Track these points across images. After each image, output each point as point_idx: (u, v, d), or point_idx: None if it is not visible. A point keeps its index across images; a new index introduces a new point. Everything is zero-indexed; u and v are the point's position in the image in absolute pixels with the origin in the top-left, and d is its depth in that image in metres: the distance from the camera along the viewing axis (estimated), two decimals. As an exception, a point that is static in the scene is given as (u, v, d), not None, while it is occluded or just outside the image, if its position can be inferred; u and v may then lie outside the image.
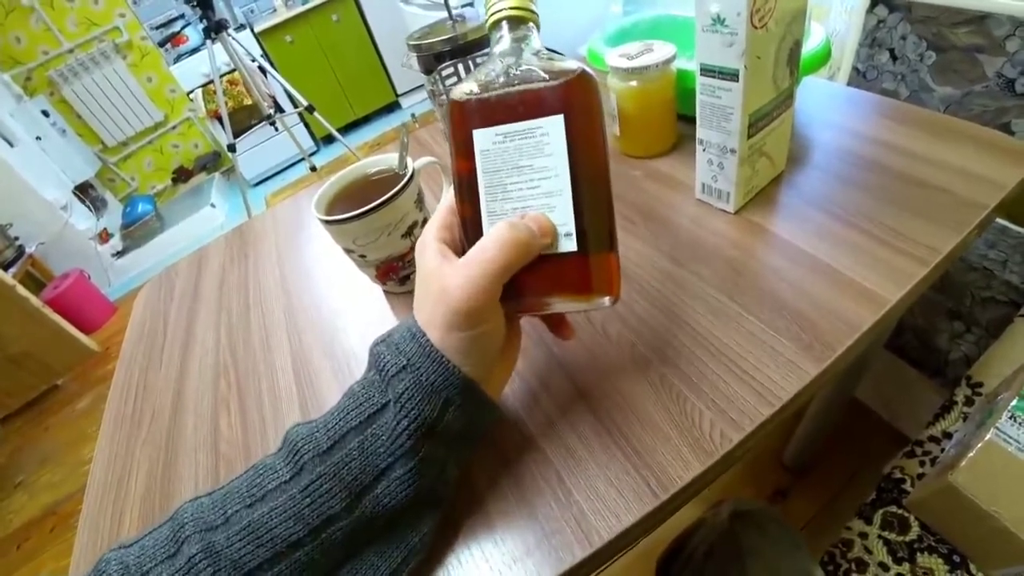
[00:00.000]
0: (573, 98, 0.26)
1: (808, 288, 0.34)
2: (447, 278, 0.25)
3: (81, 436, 1.76)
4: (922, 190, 0.40)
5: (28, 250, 2.25)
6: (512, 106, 0.26)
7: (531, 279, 0.27)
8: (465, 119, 0.27)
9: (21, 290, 1.87)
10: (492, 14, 0.26)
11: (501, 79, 0.26)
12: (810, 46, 0.48)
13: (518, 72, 0.26)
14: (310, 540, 0.23)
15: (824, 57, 0.48)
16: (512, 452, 0.31)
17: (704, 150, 0.39)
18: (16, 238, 2.26)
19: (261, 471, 0.25)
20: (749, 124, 0.36)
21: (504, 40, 0.27)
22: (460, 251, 0.28)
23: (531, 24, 0.27)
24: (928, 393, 0.74)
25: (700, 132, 0.39)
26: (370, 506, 0.24)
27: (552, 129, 0.26)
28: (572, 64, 0.26)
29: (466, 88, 0.27)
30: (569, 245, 0.26)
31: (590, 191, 0.27)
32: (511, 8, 0.26)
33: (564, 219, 0.26)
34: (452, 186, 0.29)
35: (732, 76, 0.34)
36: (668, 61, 0.43)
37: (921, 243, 0.36)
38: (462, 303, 0.24)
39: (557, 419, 0.31)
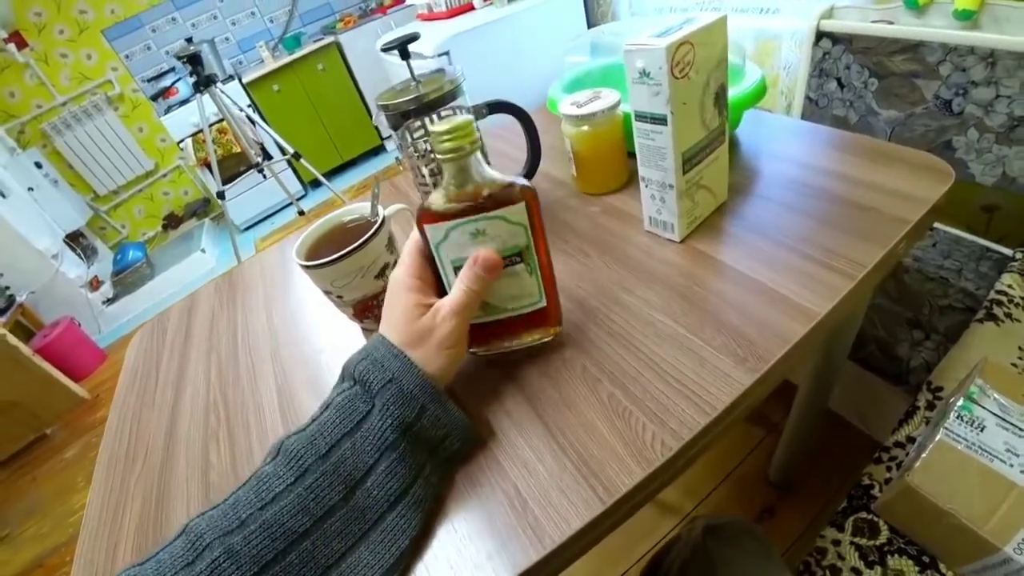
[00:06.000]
0: (529, 194, 0.33)
1: (746, 307, 0.38)
2: (434, 323, 0.33)
3: (69, 486, 1.73)
4: (854, 211, 0.44)
5: (18, 299, 2.26)
6: (482, 204, 0.33)
7: (507, 329, 0.38)
8: (437, 218, 0.34)
9: (11, 339, 1.87)
10: (443, 154, 0.32)
11: (470, 192, 0.33)
12: (745, 85, 0.53)
13: (479, 183, 0.33)
14: (315, 530, 0.27)
15: (758, 94, 0.53)
16: (473, 467, 0.33)
17: (647, 186, 0.44)
18: (7, 287, 2.27)
19: (264, 480, 0.28)
20: (683, 161, 0.40)
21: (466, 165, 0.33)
22: (431, 284, 0.36)
23: (478, 151, 0.33)
24: (895, 400, 0.77)
25: (641, 170, 0.43)
26: (363, 498, 0.29)
27: (520, 216, 0.33)
28: (516, 178, 0.34)
29: (436, 199, 0.34)
30: (540, 303, 0.37)
31: (547, 262, 0.36)
32: (456, 148, 0.31)
33: (534, 289, 0.37)
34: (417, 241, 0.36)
35: (662, 121, 0.38)
36: (613, 107, 0.48)
37: (850, 259, 0.39)
38: (448, 339, 0.33)
39: (514, 436, 0.34)
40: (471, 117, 0.31)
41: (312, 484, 0.28)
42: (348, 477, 0.29)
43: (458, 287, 0.34)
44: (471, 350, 0.40)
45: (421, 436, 0.31)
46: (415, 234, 0.36)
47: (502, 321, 0.38)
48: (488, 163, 0.34)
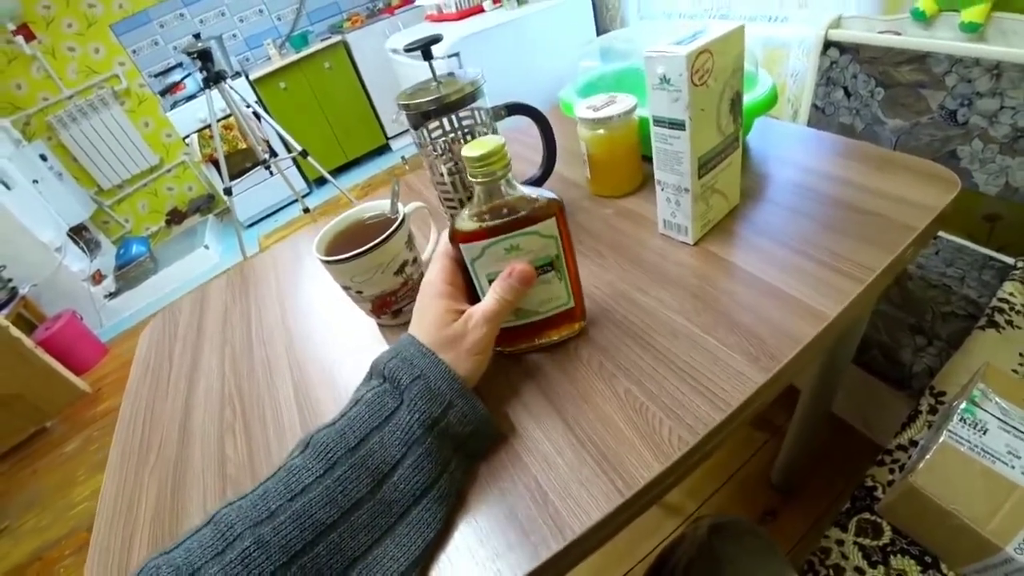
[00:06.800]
0: (557, 207, 0.35)
1: (758, 308, 0.39)
2: (467, 329, 0.34)
3: (70, 479, 1.73)
4: (862, 217, 0.45)
5: (21, 292, 2.26)
6: (514, 220, 0.34)
7: (535, 329, 0.40)
8: (472, 237, 0.35)
9: (14, 331, 1.87)
10: (476, 178, 0.33)
11: (503, 211, 0.34)
12: (757, 93, 0.53)
13: (509, 201, 0.34)
14: (343, 522, 0.28)
15: (770, 102, 0.54)
16: (495, 461, 0.34)
17: (662, 190, 0.45)
18: (10, 280, 2.28)
19: (294, 471, 0.29)
20: (699, 166, 0.41)
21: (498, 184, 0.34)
22: (462, 290, 0.37)
23: (509, 171, 0.34)
24: (898, 404, 0.78)
25: (657, 174, 0.44)
26: (390, 491, 0.29)
27: (551, 229, 0.35)
28: (542, 191, 0.35)
29: (468, 217, 0.35)
30: (569, 304, 0.39)
31: (574, 266, 0.37)
32: (490, 173, 0.32)
33: (563, 292, 0.38)
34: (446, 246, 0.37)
35: (680, 126, 0.39)
36: (629, 111, 0.49)
37: (859, 264, 0.40)
38: (478, 345, 0.34)
39: (534, 430, 0.35)
40: (503, 140, 0.32)
41: (341, 476, 0.28)
42: (376, 471, 0.29)
43: (492, 296, 0.35)
44: (498, 348, 0.41)
45: (448, 432, 0.32)
46: (446, 239, 0.37)
47: (532, 322, 0.39)
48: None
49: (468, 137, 0.49)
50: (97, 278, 2.66)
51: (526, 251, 0.35)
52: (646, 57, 0.38)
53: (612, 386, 0.36)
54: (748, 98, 0.52)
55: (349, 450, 0.29)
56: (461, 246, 0.35)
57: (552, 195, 0.35)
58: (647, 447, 0.31)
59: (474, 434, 0.33)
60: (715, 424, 0.31)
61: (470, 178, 0.33)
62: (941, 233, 0.95)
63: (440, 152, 0.48)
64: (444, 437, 0.32)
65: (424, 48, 0.44)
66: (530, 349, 0.41)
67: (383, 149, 3.41)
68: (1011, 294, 0.75)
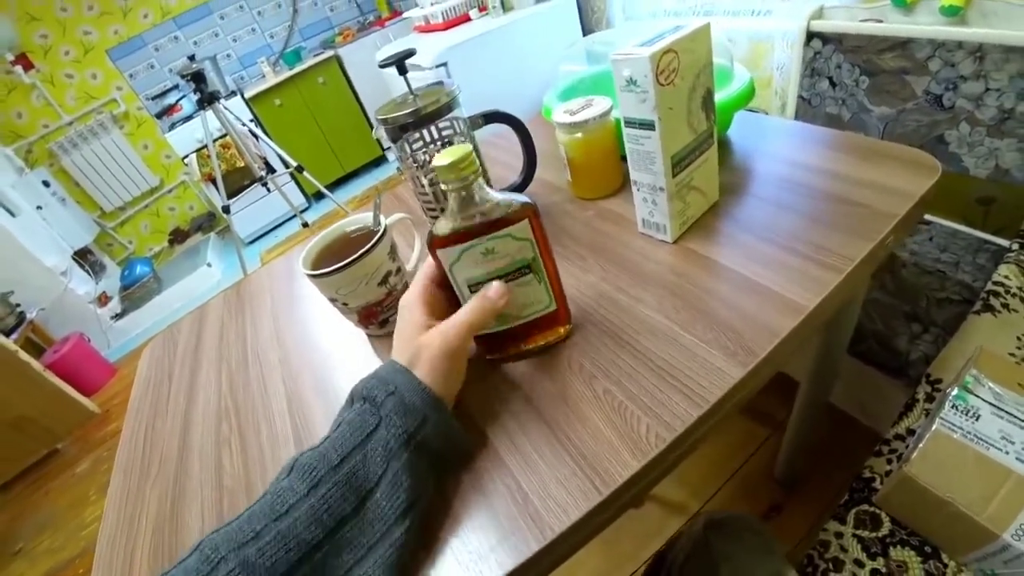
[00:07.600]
0: (530, 210, 0.35)
1: (737, 303, 0.39)
2: (433, 337, 0.34)
3: (81, 499, 1.75)
4: (843, 206, 0.45)
5: (29, 316, 2.29)
6: (488, 224, 0.35)
7: (522, 334, 0.40)
8: (448, 242, 0.35)
9: (23, 355, 1.90)
10: (448, 185, 0.34)
11: (476, 217, 0.35)
12: (733, 88, 0.54)
13: (483, 206, 0.35)
14: (327, 541, 0.28)
15: (747, 96, 0.54)
16: (476, 462, 0.35)
17: (639, 190, 0.45)
18: (17, 305, 2.31)
19: (279, 493, 0.29)
20: (673, 164, 0.42)
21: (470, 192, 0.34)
22: (439, 307, 0.37)
23: (480, 178, 0.34)
24: (896, 393, 0.78)
25: (633, 174, 0.44)
26: (372, 509, 0.29)
27: (525, 232, 0.35)
28: (515, 196, 0.36)
29: (444, 224, 0.36)
30: (551, 307, 0.39)
31: (553, 269, 0.38)
32: (461, 179, 0.33)
33: (544, 295, 0.38)
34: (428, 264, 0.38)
35: (650, 126, 0.40)
36: (605, 114, 0.49)
37: (839, 254, 0.40)
38: (445, 348, 0.34)
39: (515, 432, 0.35)
40: (470, 147, 0.33)
41: (325, 495, 0.28)
42: (359, 488, 0.29)
43: (466, 306, 0.36)
44: (488, 357, 0.42)
45: (425, 447, 0.32)
46: (429, 260, 0.37)
47: (517, 327, 0.40)
48: (487, 176, 0.35)
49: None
50: (103, 300, 2.69)
51: (502, 254, 0.36)
52: (612, 60, 0.38)
53: (592, 387, 0.36)
54: (724, 93, 0.53)
55: (332, 468, 0.29)
56: (438, 251, 0.36)
57: (525, 199, 0.35)
58: (625, 445, 0.32)
59: (449, 450, 0.33)
60: (693, 420, 0.32)
61: (442, 186, 0.34)
62: (934, 218, 0.94)
63: (420, 164, 0.49)
64: (421, 452, 0.31)
65: (398, 63, 0.45)
66: (517, 356, 0.41)
67: (379, 161, 3.43)
68: (1007, 277, 0.74)
